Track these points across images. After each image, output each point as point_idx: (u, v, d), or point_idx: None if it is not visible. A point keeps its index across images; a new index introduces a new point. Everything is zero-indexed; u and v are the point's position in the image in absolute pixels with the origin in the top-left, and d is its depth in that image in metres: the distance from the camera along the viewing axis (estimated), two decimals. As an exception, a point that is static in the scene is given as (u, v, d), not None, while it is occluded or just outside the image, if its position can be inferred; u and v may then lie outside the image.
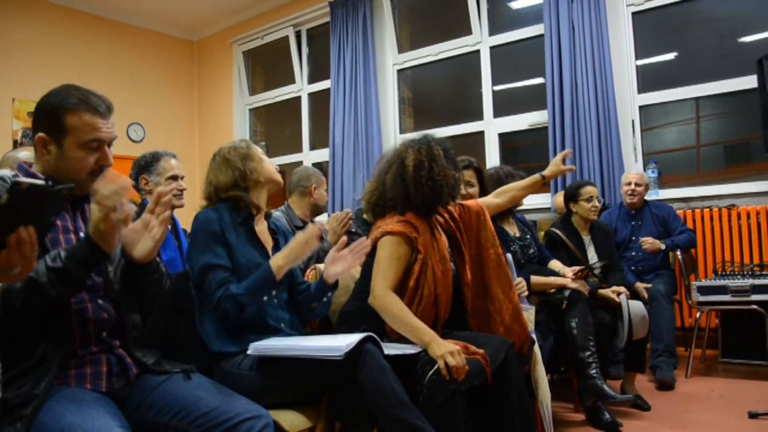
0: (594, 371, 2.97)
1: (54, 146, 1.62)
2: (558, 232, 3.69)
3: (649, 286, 3.93)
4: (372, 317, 2.19)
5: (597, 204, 3.70)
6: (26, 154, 3.00)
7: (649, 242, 4.08)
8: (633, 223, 4.35)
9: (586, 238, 3.75)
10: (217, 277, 2.01)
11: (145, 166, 3.11)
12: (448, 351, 1.96)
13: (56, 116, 1.60)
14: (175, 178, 3.13)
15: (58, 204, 1.34)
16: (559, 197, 4.84)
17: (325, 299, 2.26)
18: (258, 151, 2.29)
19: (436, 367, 1.93)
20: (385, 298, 2.15)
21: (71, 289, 1.52)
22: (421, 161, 2.33)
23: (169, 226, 2.99)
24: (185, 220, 3.18)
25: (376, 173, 2.49)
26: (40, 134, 1.62)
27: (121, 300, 1.71)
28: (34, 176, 1.65)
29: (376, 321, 2.17)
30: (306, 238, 2.07)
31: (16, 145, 6.42)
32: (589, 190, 3.72)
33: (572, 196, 3.77)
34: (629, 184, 4.35)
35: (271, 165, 2.29)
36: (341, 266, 2.19)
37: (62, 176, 1.64)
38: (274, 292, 2.14)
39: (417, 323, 2.11)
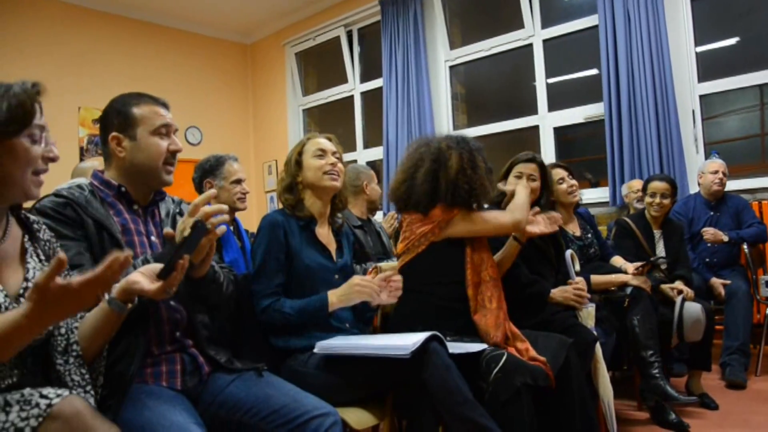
0: (656, 371, 2.91)
1: (128, 140, 1.71)
2: (629, 221, 3.64)
3: (728, 282, 3.82)
4: (425, 317, 2.22)
5: (659, 200, 3.59)
6: (89, 163, 3.14)
7: (710, 232, 3.91)
8: (711, 214, 4.17)
9: (657, 233, 3.67)
10: (269, 285, 2.06)
11: (210, 169, 3.17)
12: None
13: (124, 112, 1.71)
14: (239, 181, 3.19)
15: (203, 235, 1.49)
16: (630, 185, 4.71)
17: (369, 314, 2.29)
18: (312, 150, 2.24)
19: (501, 363, 1.94)
20: (513, 215, 2.45)
21: None
22: (464, 167, 2.34)
23: (232, 228, 3.09)
24: (246, 221, 3.25)
25: (405, 164, 2.48)
26: (113, 134, 1.72)
27: (191, 302, 1.78)
28: (107, 183, 1.73)
29: (428, 321, 2.16)
30: (361, 286, 2.01)
31: (82, 151, 6.67)
32: (654, 185, 3.64)
33: (643, 188, 3.71)
34: (716, 172, 4.14)
35: (318, 170, 2.20)
36: (384, 296, 2.10)
37: (139, 168, 1.73)
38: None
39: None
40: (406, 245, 2.38)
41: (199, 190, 3.21)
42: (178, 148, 1.77)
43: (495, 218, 2.41)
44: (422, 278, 2.31)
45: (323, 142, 2.28)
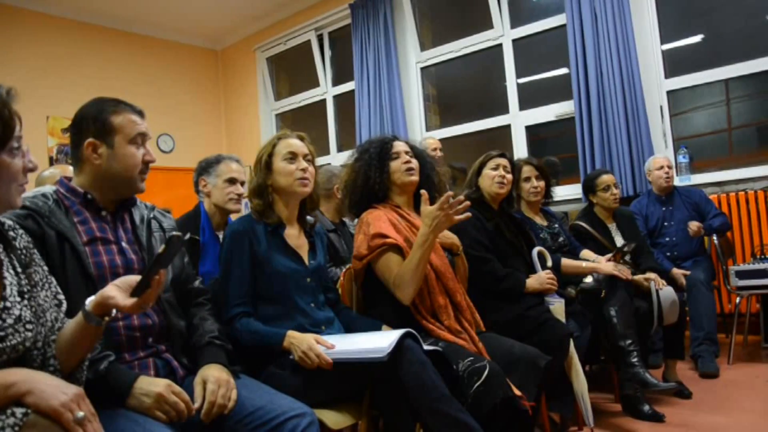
0: (635, 359, 2.95)
1: (104, 147, 1.70)
2: (583, 224, 3.68)
3: (687, 272, 3.88)
4: (399, 315, 2.23)
5: (615, 191, 3.72)
6: (49, 172, 3.08)
7: (696, 226, 3.95)
8: (664, 208, 4.26)
9: (612, 226, 3.74)
10: (236, 294, 2.03)
11: (205, 167, 3.09)
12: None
13: (102, 119, 1.70)
14: (233, 181, 3.09)
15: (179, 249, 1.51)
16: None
17: None
18: (282, 152, 2.19)
19: (484, 377, 1.92)
20: (398, 288, 2.19)
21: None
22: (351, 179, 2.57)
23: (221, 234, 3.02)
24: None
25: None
26: (90, 140, 1.69)
27: (167, 308, 1.77)
28: (73, 190, 1.71)
29: (403, 318, 2.20)
30: (309, 354, 1.88)
31: (51, 161, 6.57)
32: (605, 179, 3.74)
33: (590, 187, 3.76)
34: (661, 168, 4.24)
35: (288, 176, 2.15)
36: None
37: (114, 176, 1.72)
38: (320, 297, 2.20)
39: (409, 257, 2.17)
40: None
41: (197, 188, 3.15)
42: (153, 159, 1.79)
43: (390, 275, 2.25)
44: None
45: (295, 143, 2.23)
